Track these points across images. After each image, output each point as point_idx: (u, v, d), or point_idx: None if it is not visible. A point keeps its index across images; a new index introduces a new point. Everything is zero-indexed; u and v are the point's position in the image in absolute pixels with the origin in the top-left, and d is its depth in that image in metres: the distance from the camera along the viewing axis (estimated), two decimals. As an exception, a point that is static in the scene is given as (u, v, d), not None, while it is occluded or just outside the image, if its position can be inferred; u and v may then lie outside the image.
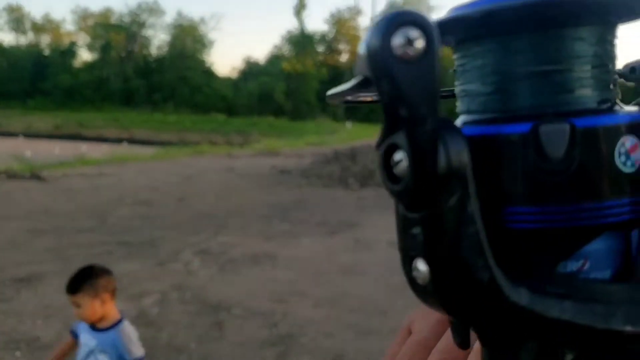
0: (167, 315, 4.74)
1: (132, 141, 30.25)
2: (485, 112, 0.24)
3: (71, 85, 53.92)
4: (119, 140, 30.26)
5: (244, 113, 44.55)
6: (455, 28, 0.24)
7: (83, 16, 63.00)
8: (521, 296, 0.21)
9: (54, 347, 3.30)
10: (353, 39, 62.38)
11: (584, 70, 0.23)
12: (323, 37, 63.82)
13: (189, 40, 60.45)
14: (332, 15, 62.79)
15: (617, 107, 0.24)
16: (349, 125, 36.18)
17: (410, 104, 0.19)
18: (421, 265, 0.22)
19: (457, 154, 0.19)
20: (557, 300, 0.21)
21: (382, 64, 0.19)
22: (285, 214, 8.93)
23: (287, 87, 52.66)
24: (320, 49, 64.40)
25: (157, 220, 8.34)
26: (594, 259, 0.23)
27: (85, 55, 63.00)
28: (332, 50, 64.42)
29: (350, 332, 4.48)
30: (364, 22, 63.21)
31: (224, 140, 28.54)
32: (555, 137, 0.22)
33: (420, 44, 0.19)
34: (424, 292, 0.22)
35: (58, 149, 22.34)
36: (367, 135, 25.25)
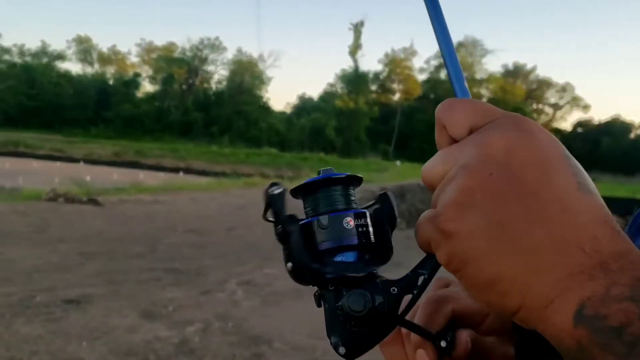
0: (209, 345, 4.78)
1: (188, 171, 31.07)
2: None
3: (132, 114, 56.10)
4: (175, 170, 31.15)
5: (296, 148, 45.13)
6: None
7: (147, 49, 65.91)
8: None
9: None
10: (406, 79, 62.68)
11: None
12: (377, 76, 64.44)
13: (247, 75, 62.22)
14: (387, 55, 63.46)
15: None
16: (398, 164, 36.04)
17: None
18: None
19: None
20: None
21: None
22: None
23: (339, 124, 53.17)
24: (373, 87, 65.01)
25: (205, 249, 8.49)
26: None
27: (147, 87, 65.73)
28: (384, 89, 64.84)
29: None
30: (418, 62, 63.38)
31: (275, 173, 28.96)
32: None
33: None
34: None
35: (116, 175, 23.17)
36: (417, 175, 25.04)
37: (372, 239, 0.48)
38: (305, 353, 4.73)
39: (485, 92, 63.92)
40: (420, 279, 0.45)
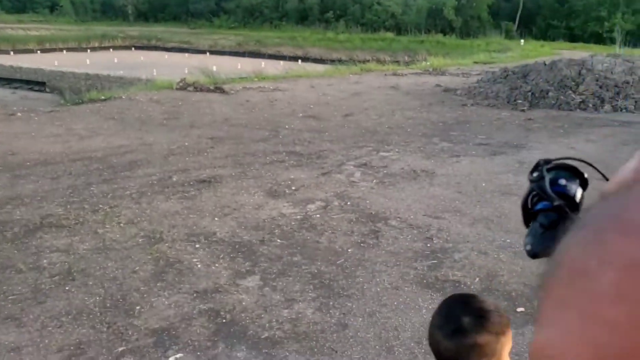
0: (329, 222, 5.08)
1: (305, 59, 31.39)
2: None
3: (251, 4, 56.34)
4: (294, 58, 31.61)
5: (412, 31, 43.28)
6: None
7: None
8: None
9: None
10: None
11: None
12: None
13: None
14: None
15: None
16: (522, 42, 33.50)
17: None
18: None
19: None
20: None
21: None
22: (447, 133, 8.81)
23: (458, 2, 49.74)
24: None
25: (324, 133, 8.73)
26: None
27: (264, -26, 64.96)
28: (512, -39, 58.92)
29: (505, 252, 4.44)
30: None
31: (391, 58, 28.32)
32: None
33: None
34: None
35: (240, 65, 23.91)
36: (542, 54, 23.28)
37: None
38: (420, 231, 4.88)
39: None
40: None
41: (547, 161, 0.87)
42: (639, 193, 0.26)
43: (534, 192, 0.85)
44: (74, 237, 4.62)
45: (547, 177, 0.84)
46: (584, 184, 0.86)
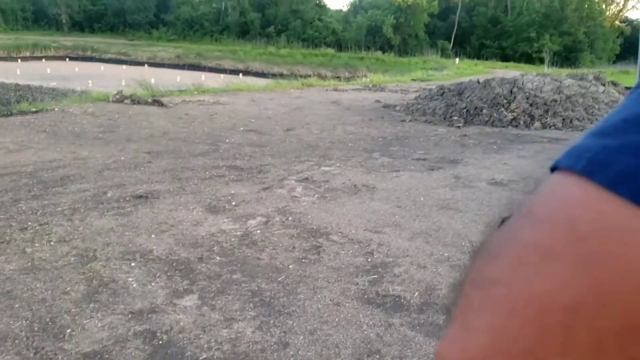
0: (270, 237, 5.02)
1: (246, 72, 31.34)
2: None
3: (192, 17, 55.89)
4: (235, 72, 31.51)
5: (353, 48, 44.15)
6: None
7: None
8: None
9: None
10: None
11: None
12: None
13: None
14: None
15: None
16: (457, 61, 34.77)
17: None
18: None
19: None
20: None
21: None
22: (387, 148, 8.96)
23: (397, 21, 51.10)
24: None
25: (265, 147, 8.69)
26: None
27: (204, -13, 64.67)
28: (444, -19, 61.15)
29: (443, 266, 4.52)
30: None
31: (332, 74, 28.69)
32: None
33: None
34: None
35: (179, 78, 23.56)
36: (476, 72, 24.18)
37: None
38: (361, 245, 4.90)
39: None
40: None
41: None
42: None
43: None
44: (0, 256, 4.37)
45: None
46: None
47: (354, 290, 4.07)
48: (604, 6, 58.65)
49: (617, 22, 58.45)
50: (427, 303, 3.91)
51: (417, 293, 4.07)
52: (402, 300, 3.94)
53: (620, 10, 61.43)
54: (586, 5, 52.60)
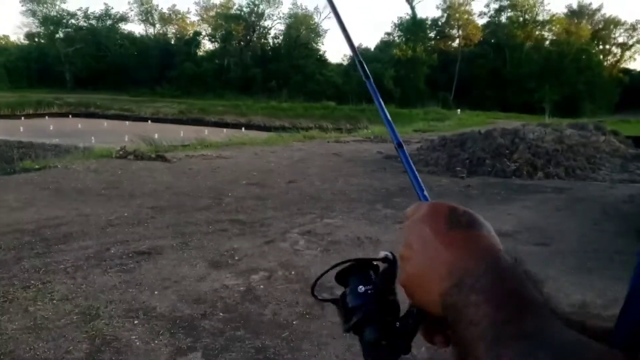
0: (273, 292, 4.96)
1: (249, 126, 31.75)
2: None
3: (195, 73, 57.07)
4: (238, 126, 31.94)
5: (353, 100, 44.85)
6: None
7: (205, 7, 66.40)
8: None
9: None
10: (466, 24, 60.37)
11: None
12: (435, 23, 62.37)
13: (303, 29, 61.67)
14: (445, 1, 61.18)
15: None
16: (459, 112, 35.24)
17: None
18: None
19: None
20: None
21: None
22: (390, 200, 8.96)
23: (397, 74, 52.11)
24: (432, 34, 63.04)
25: (268, 200, 8.70)
26: None
27: (207, 45, 66.49)
28: (443, 35, 62.78)
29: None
30: (478, 6, 61.00)
31: (333, 126, 29.06)
32: None
33: None
34: None
35: (182, 133, 23.87)
36: (477, 123, 24.45)
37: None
38: (365, 299, 4.83)
39: (548, 34, 61.06)
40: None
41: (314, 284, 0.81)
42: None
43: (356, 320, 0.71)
44: (2, 316, 4.32)
45: (350, 297, 0.73)
46: (374, 267, 0.75)
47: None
48: (601, 57, 59.97)
49: (615, 72, 59.63)
50: (432, 358, 3.83)
51: (423, 348, 3.99)
52: (409, 357, 3.86)
53: (618, 61, 62.89)
54: (584, 57, 53.73)
